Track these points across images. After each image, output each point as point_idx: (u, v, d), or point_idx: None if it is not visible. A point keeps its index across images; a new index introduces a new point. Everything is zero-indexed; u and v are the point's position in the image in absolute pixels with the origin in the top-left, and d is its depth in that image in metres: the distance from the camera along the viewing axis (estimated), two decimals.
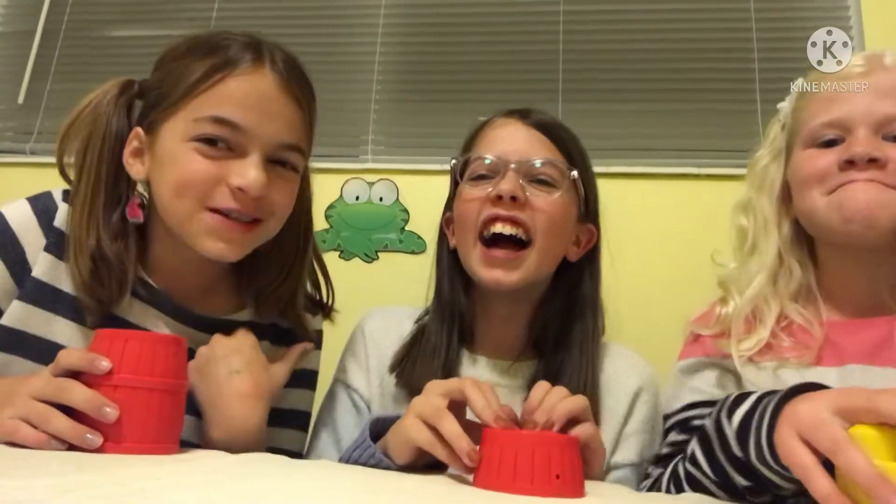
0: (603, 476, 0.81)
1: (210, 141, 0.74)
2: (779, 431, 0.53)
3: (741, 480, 0.62)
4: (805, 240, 0.88)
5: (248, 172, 0.74)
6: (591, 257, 0.94)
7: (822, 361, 0.79)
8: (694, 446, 0.70)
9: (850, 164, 0.78)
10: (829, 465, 0.48)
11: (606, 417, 0.86)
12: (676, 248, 1.50)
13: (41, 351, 0.76)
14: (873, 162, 0.77)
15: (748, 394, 0.64)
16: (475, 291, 0.92)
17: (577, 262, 0.92)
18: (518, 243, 0.84)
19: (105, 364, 0.60)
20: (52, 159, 1.87)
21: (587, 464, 0.67)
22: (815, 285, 0.86)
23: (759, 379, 0.79)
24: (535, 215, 0.84)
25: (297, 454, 0.90)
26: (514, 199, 0.83)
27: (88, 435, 0.58)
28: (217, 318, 0.86)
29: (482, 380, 0.77)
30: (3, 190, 1.71)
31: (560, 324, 0.89)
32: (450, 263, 0.93)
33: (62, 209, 0.81)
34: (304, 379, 0.94)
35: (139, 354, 0.62)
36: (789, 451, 0.50)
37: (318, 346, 0.98)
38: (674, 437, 0.83)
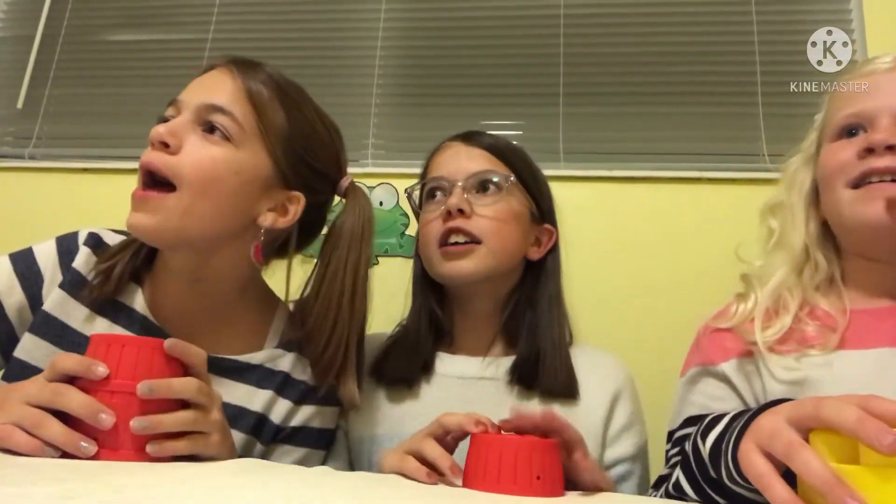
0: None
1: (162, 121, 0.80)
2: (741, 446, 0.54)
3: (721, 501, 0.63)
4: (830, 235, 0.87)
5: (161, 125, 0.78)
6: (552, 255, 1.03)
7: (848, 345, 0.77)
8: (678, 471, 0.71)
9: (868, 151, 0.78)
10: (792, 479, 0.49)
11: (586, 413, 0.91)
12: (678, 252, 1.49)
13: None
14: (891, 149, 0.77)
15: (723, 415, 0.65)
16: (451, 300, 1.01)
17: (540, 260, 1.01)
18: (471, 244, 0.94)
19: (102, 369, 0.59)
20: (51, 164, 1.88)
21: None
22: (840, 279, 0.85)
23: (782, 368, 0.78)
24: (481, 222, 0.94)
25: None
26: (461, 211, 0.93)
27: (83, 443, 0.58)
28: (220, 356, 0.83)
29: (466, 376, 0.95)
30: (2, 195, 1.71)
31: (529, 317, 0.97)
32: (425, 275, 1.02)
33: (83, 252, 0.85)
34: (307, 437, 0.89)
35: (136, 360, 0.61)
36: (748, 463, 0.51)
37: (329, 402, 0.91)
38: (673, 453, 0.83)
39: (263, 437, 0.86)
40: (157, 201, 0.76)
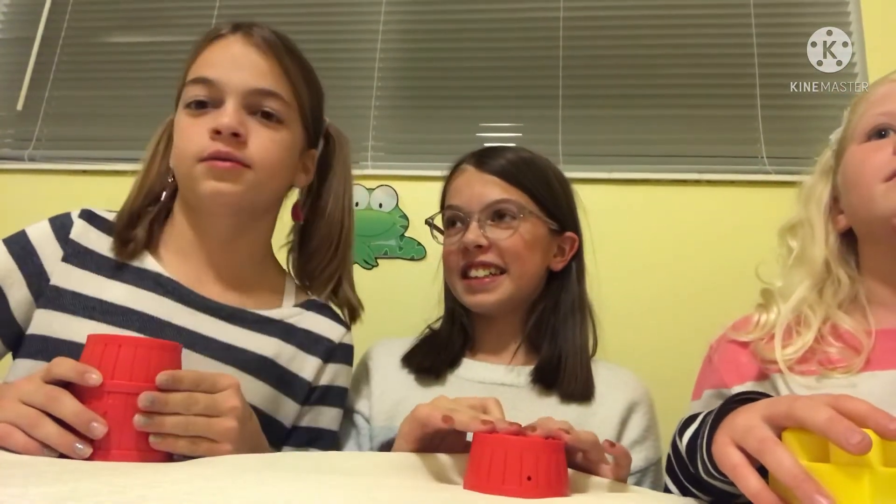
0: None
1: (198, 104, 0.84)
2: (715, 440, 0.54)
3: (703, 497, 0.64)
4: (852, 251, 0.87)
5: (223, 115, 0.81)
6: (575, 260, 1.04)
7: (873, 366, 0.76)
8: (664, 474, 0.72)
9: None
10: (765, 475, 0.49)
11: (602, 420, 0.93)
12: (677, 254, 1.50)
13: (64, 353, 0.77)
14: None
15: (698, 414, 0.66)
16: (474, 312, 1.03)
17: (564, 267, 1.03)
18: (494, 273, 0.97)
19: (95, 377, 0.59)
20: (51, 166, 1.87)
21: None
22: (864, 297, 0.83)
23: (803, 388, 0.76)
24: (501, 252, 0.96)
25: None
26: (478, 246, 0.96)
27: (78, 444, 0.58)
28: (242, 308, 0.89)
29: (487, 381, 0.97)
30: (2, 196, 1.71)
31: (552, 322, 0.99)
32: None
33: (78, 224, 0.87)
34: (336, 397, 0.96)
35: (133, 360, 0.61)
36: (722, 455, 0.52)
37: (348, 362, 0.99)
38: None
39: (296, 394, 0.90)
40: (239, 172, 0.82)
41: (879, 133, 0.81)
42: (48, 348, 0.79)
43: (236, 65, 0.84)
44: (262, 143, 0.83)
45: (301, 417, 0.92)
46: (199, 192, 0.83)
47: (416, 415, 0.69)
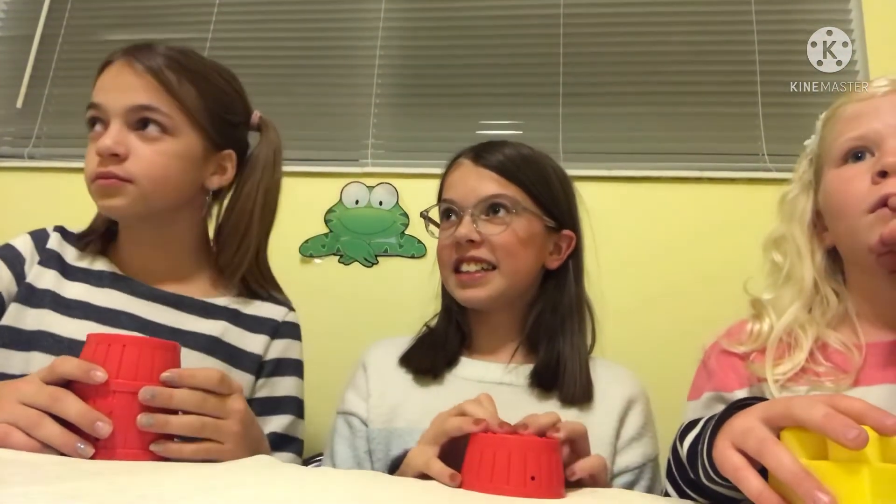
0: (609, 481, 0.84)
1: (92, 127, 0.91)
2: (715, 444, 0.55)
3: (703, 501, 0.64)
4: (838, 267, 0.86)
5: (105, 138, 0.88)
6: (573, 259, 1.03)
7: (864, 381, 0.77)
8: (664, 479, 0.72)
9: (882, 175, 0.76)
10: (765, 476, 0.50)
11: (600, 420, 0.93)
12: (678, 251, 1.50)
13: (32, 341, 0.87)
14: None
15: (699, 419, 0.66)
16: (470, 309, 1.02)
17: (561, 266, 1.01)
18: (486, 269, 0.97)
19: (101, 375, 0.59)
20: (51, 164, 1.87)
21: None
22: (853, 312, 0.83)
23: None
24: (493, 248, 0.95)
25: (288, 437, 0.99)
26: (470, 241, 0.95)
27: (80, 444, 0.57)
28: (186, 295, 0.97)
29: (485, 380, 0.96)
30: (1, 194, 1.71)
31: (550, 321, 0.98)
32: None
33: (54, 236, 0.98)
34: (290, 368, 1.03)
35: (137, 360, 0.61)
36: (723, 458, 0.53)
37: (297, 337, 1.06)
38: None
39: (246, 367, 0.97)
40: (120, 188, 0.89)
41: (856, 156, 0.80)
42: (19, 339, 0.87)
43: (116, 87, 0.90)
44: (144, 157, 0.89)
45: (257, 390, 0.98)
46: (99, 208, 0.93)
47: (413, 464, 0.71)
